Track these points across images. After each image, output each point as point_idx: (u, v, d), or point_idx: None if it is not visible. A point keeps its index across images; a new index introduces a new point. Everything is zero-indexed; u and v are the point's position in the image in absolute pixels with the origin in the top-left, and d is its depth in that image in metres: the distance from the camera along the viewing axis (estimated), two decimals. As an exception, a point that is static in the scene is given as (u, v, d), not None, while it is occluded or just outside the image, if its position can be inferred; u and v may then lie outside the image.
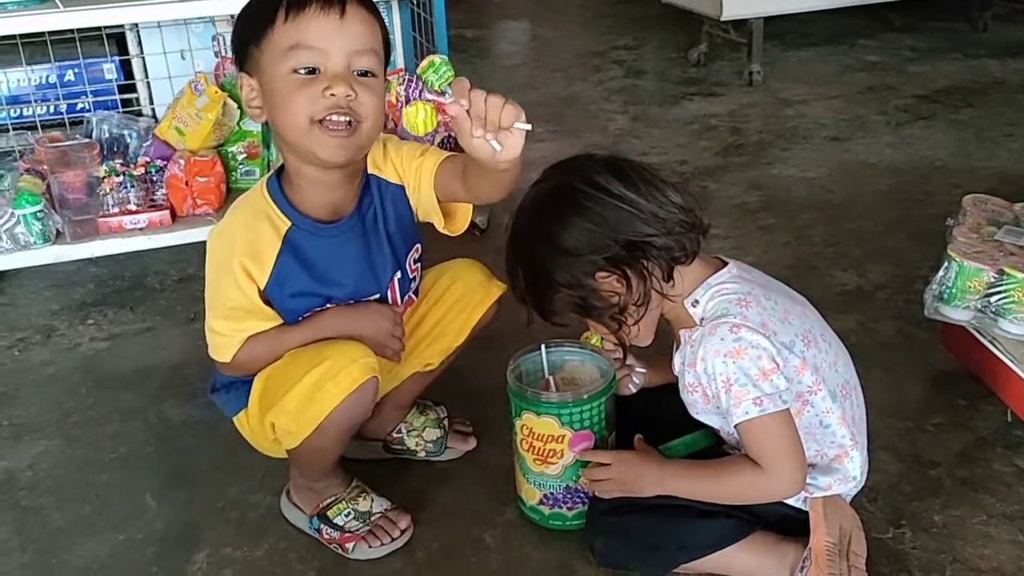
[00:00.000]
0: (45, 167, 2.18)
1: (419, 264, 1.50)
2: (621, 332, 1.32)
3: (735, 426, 1.24)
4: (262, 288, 1.35)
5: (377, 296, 1.43)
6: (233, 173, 2.30)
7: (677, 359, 1.32)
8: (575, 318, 1.34)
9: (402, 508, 1.48)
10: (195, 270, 2.26)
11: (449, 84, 1.11)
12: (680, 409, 1.37)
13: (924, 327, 1.84)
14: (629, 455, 1.36)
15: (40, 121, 2.45)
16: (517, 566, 1.41)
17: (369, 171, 1.42)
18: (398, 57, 2.84)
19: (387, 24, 2.82)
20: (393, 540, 1.44)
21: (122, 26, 2.48)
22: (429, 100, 1.11)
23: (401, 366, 1.53)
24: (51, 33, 2.29)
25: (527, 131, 1.12)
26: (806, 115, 3.22)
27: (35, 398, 1.89)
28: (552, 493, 1.43)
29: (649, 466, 1.34)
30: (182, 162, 2.19)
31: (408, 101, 1.09)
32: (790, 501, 1.31)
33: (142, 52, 2.53)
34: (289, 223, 1.36)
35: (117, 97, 2.57)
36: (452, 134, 1.17)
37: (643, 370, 1.52)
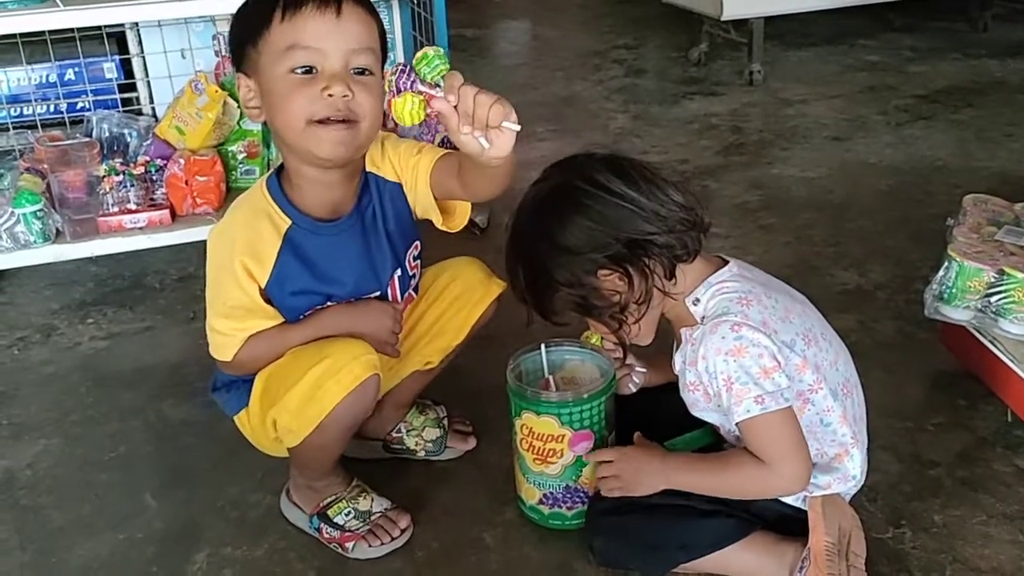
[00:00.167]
0: (45, 166, 2.17)
1: (419, 262, 1.50)
2: (622, 331, 1.32)
3: (736, 424, 1.24)
4: (263, 287, 1.35)
5: (377, 294, 1.43)
6: (233, 172, 2.30)
7: (678, 358, 1.32)
8: (575, 317, 1.34)
9: (402, 508, 1.48)
10: (195, 269, 2.26)
11: (442, 77, 1.11)
12: (680, 408, 1.36)
13: (924, 327, 1.84)
14: (631, 450, 1.36)
15: (40, 120, 2.44)
16: (517, 566, 1.41)
17: (367, 169, 1.42)
18: (398, 57, 2.84)
19: (387, 23, 2.84)
20: (393, 539, 1.44)
21: (122, 25, 2.48)
22: (420, 92, 1.11)
23: (401, 364, 1.53)
24: (51, 32, 2.29)
25: (517, 131, 1.12)
26: (806, 115, 3.22)
27: (35, 397, 1.88)
28: (552, 493, 1.43)
29: (652, 460, 1.33)
30: (182, 161, 2.19)
31: (399, 91, 1.08)
32: (789, 500, 1.31)
33: (142, 51, 2.53)
34: (289, 222, 1.36)
35: (117, 96, 2.57)
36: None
37: (643, 369, 1.52)
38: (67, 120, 2.45)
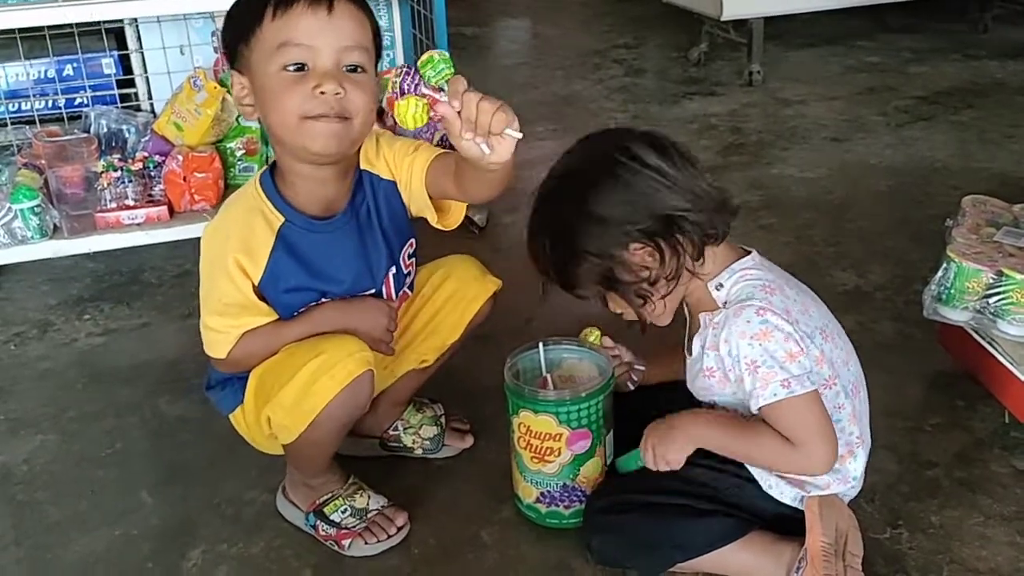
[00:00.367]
0: (43, 162, 2.17)
1: (414, 259, 1.49)
2: (643, 309, 1.30)
3: (760, 409, 1.23)
4: (256, 284, 1.35)
5: (372, 291, 1.43)
6: (231, 169, 2.30)
7: (696, 342, 1.31)
8: (597, 292, 1.31)
9: (399, 505, 1.47)
10: (192, 266, 2.25)
11: (446, 82, 1.11)
12: (679, 405, 1.36)
13: (923, 328, 1.84)
14: (655, 422, 1.34)
15: (38, 115, 2.44)
16: (514, 564, 1.41)
17: (362, 167, 1.41)
18: (398, 54, 2.84)
19: (387, 21, 2.84)
20: (389, 537, 1.44)
21: (121, 21, 2.48)
22: (424, 95, 1.11)
23: (397, 363, 1.53)
24: (50, 27, 2.28)
25: (519, 138, 1.12)
26: (806, 115, 3.21)
27: (31, 393, 1.88)
28: (549, 491, 1.42)
29: (678, 415, 1.32)
30: (180, 158, 2.19)
31: (403, 94, 1.08)
32: (786, 500, 1.31)
33: (141, 47, 2.53)
34: (283, 219, 1.36)
35: (116, 92, 2.57)
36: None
37: (642, 367, 1.52)
38: (65, 116, 2.45)
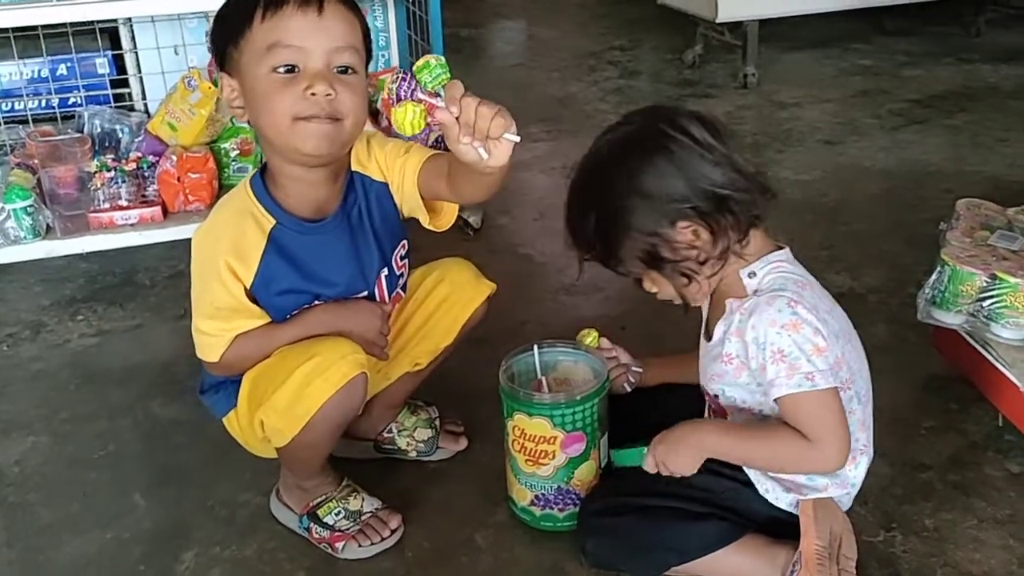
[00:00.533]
0: (36, 161, 2.17)
1: (406, 261, 1.49)
2: (686, 289, 1.29)
3: (780, 398, 1.23)
4: (248, 287, 1.34)
5: (365, 293, 1.43)
6: (226, 169, 2.29)
7: (720, 326, 1.30)
8: (629, 273, 1.31)
9: (393, 508, 1.47)
10: (186, 267, 2.19)
11: (443, 86, 1.11)
12: (676, 408, 1.36)
13: (917, 331, 1.84)
14: (663, 433, 1.32)
15: (31, 115, 2.44)
16: (508, 567, 1.41)
17: (353, 168, 1.41)
18: (393, 56, 2.84)
19: (383, 22, 2.83)
20: (383, 540, 1.43)
21: (115, 20, 2.48)
22: (421, 100, 1.10)
23: (391, 366, 1.53)
24: (44, 27, 2.28)
25: (517, 142, 1.12)
26: (800, 118, 3.22)
27: (23, 394, 1.87)
28: (543, 494, 1.42)
29: (684, 434, 1.31)
30: (174, 158, 2.18)
31: (399, 100, 1.08)
32: (782, 505, 1.31)
33: (135, 47, 2.52)
34: (274, 221, 1.36)
35: (109, 92, 2.57)
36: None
37: (639, 369, 1.52)
38: (59, 115, 2.45)
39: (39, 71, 2.53)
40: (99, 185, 2.13)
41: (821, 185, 2.68)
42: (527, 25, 4.81)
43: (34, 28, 2.28)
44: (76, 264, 2.33)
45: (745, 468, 1.32)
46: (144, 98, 2.55)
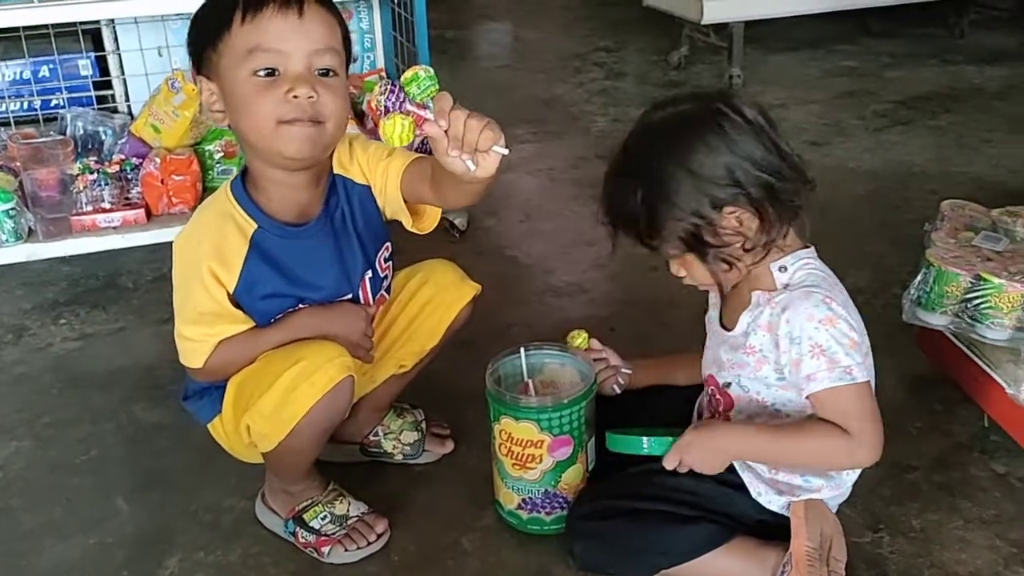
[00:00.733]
0: (18, 164, 2.14)
1: (390, 263, 1.48)
2: (724, 275, 1.28)
3: (818, 393, 1.22)
4: (231, 292, 1.33)
5: (349, 296, 1.42)
6: (210, 172, 2.28)
7: (744, 317, 1.30)
8: (665, 252, 1.29)
9: (379, 512, 1.46)
10: (169, 269, 2.18)
11: (431, 98, 1.10)
12: (665, 409, 1.36)
13: (902, 331, 1.84)
14: (689, 437, 1.29)
15: (13, 117, 2.42)
16: (495, 570, 1.40)
17: (335, 171, 1.40)
18: (378, 57, 2.83)
19: (368, 24, 2.82)
20: (369, 544, 1.43)
21: (98, 22, 2.46)
22: (409, 112, 1.09)
23: (376, 369, 1.52)
24: (25, 28, 2.26)
25: (505, 154, 1.11)
26: (786, 119, 3.22)
27: (6, 398, 1.85)
28: (531, 498, 1.42)
29: (713, 424, 1.31)
30: (158, 160, 2.17)
31: (387, 112, 1.07)
32: (774, 507, 1.31)
33: (118, 48, 2.51)
34: (255, 225, 1.35)
35: (92, 94, 2.54)
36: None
37: (628, 371, 1.52)
38: (41, 117, 2.43)
39: (21, 73, 2.51)
40: (82, 188, 2.12)
41: (806, 186, 2.68)
42: (512, 27, 4.81)
43: (15, 29, 2.26)
44: (58, 267, 2.31)
45: (740, 471, 1.32)
46: (127, 100, 2.53)
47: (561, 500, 1.42)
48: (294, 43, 1.24)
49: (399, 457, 1.61)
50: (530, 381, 1.45)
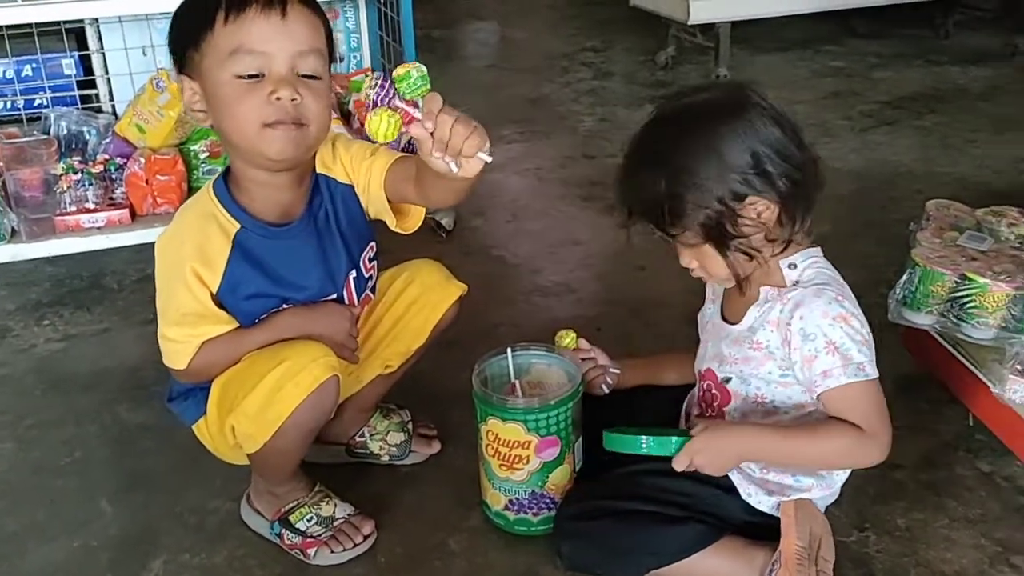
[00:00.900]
0: (1, 164, 2.13)
1: (375, 263, 1.48)
2: (743, 266, 1.27)
3: (831, 390, 1.22)
4: (214, 292, 1.32)
5: (334, 296, 1.41)
6: (195, 172, 2.26)
7: (752, 312, 1.30)
8: (681, 240, 1.28)
9: (365, 513, 1.46)
10: (154, 270, 2.22)
11: (421, 97, 1.10)
12: (653, 410, 1.36)
13: (888, 331, 1.84)
14: (700, 440, 1.27)
15: (-4, 117, 2.40)
16: (482, 571, 1.40)
17: (318, 171, 1.40)
18: (365, 57, 2.82)
19: (354, 23, 2.81)
20: (356, 546, 1.42)
21: (82, 21, 2.44)
22: (397, 108, 1.09)
23: (362, 369, 1.51)
24: (8, 27, 2.24)
25: (489, 162, 1.12)
26: (773, 119, 3.23)
27: (-12, 400, 1.84)
28: (518, 499, 1.41)
29: (725, 425, 1.30)
30: (143, 160, 2.15)
31: (375, 105, 1.06)
32: (764, 508, 1.31)
33: (102, 47, 2.49)
34: (238, 225, 1.34)
35: (76, 93, 2.53)
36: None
37: (617, 370, 1.52)
38: (24, 117, 2.42)
39: (4, 72, 2.49)
40: (65, 188, 2.10)
41: (793, 186, 2.69)
42: (499, 26, 4.80)
43: (-2, 28, 2.25)
44: (42, 268, 2.29)
45: (730, 473, 1.31)
46: (111, 99, 2.52)
47: (548, 501, 1.41)
48: (277, 44, 1.23)
49: (385, 458, 1.61)
50: (517, 382, 1.45)
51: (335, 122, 2.26)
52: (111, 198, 2.16)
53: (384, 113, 1.08)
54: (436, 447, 1.63)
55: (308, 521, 1.43)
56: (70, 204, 2.11)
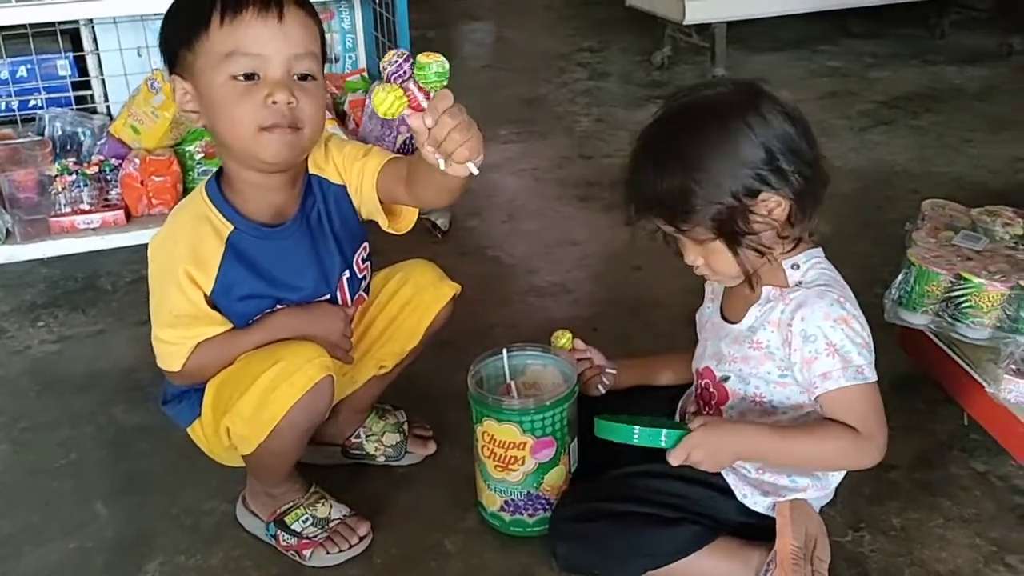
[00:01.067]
0: (-5, 165, 2.13)
1: (368, 263, 1.48)
2: (749, 264, 1.26)
3: (830, 392, 1.22)
4: (208, 293, 1.32)
5: (327, 297, 1.41)
6: (190, 173, 2.26)
7: (753, 311, 1.30)
8: (691, 236, 1.27)
9: (361, 515, 1.46)
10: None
11: (434, 90, 1.10)
12: (648, 410, 1.36)
13: (884, 330, 1.84)
14: (698, 435, 1.26)
15: (-9, 118, 2.40)
16: (478, 572, 1.40)
17: (311, 172, 1.40)
18: (360, 57, 2.82)
19: (349, 23, 2.81)
20: (352, 547, 1.42)
21: (77, 22, 2.44)
22: (408, 90, 1.08)
23: (356, 370, 1.51)
24: (3, 28, 2.24)
25: (475, 174, 1.13)
26: (769, 119, 3.23)
27: (-17, 402, 1.84)
28: (513, 500, 1.41)
29: (725, 423, 1.30)
30: (137, 161, 2.15)
31: (387, 80, 1.06)
32: (759, 509, 1.31)
33: (97, 48, 2.49)
34: (231, 226, 1.34)
35: (71, 94, 2.53)
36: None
37: (613, 371, 1.52)
38: (19, 118, 2.42)
39: (-2, 73, 2.49)
40: (60, 189, 2.10)
41: (789, 186, 2.69)
42: (495, 27, 4.80)
43: (-7, 29, 2.24)
44: (37, 269, 2.29)
45: (724, 473, 1.31)
46: (106, 100, 2.51)
47: (544, 502, 1.41)
48: (274, 47, 1.23)
49: (381, 459, 1.61)
50: (512, 383, 1.44)
51: (329, 123, 2.26)
52: (106, 199, 2.16)
53: (394, 91, 1.08)
54: (432, 448, 1.63)
55: (304, 522, 1.43)
56: (65, 205, 2.11)
